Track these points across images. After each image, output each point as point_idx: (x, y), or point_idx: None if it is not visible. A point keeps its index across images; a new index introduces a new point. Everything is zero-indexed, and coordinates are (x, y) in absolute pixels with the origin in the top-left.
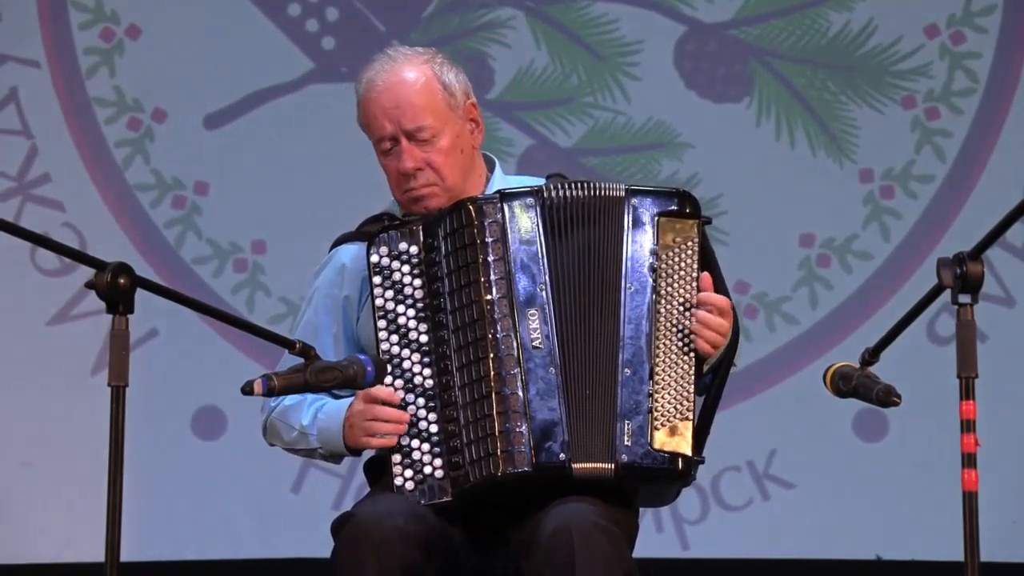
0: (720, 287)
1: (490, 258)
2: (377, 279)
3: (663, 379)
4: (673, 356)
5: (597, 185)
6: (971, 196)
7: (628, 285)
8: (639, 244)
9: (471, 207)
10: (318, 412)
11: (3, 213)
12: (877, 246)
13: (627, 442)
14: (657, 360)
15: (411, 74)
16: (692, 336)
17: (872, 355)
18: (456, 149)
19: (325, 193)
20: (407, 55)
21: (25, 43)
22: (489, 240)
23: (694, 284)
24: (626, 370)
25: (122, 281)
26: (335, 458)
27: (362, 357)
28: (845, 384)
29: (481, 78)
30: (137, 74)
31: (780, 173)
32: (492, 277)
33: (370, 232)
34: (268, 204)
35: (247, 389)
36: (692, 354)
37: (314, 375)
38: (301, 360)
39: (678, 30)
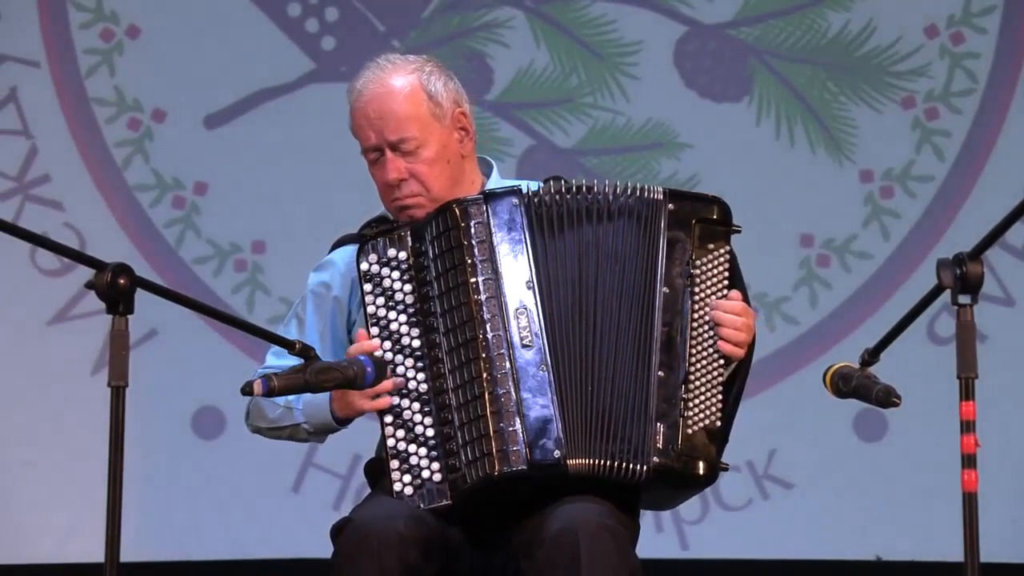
0: (744, 297)
1: (477, 259)
2: (368, 287)
3: (696, 383)
4: (705, 361)
5: (636, 187)
6: (971, 196)
7: (664, 288)
8: (677, 248)
9: (456, 209)
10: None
11: (3, 213)
12: (877, 246)
13: (659, 444)
14: (691, 364)
15: (396, 84)
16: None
17: (872, 355)
18: (442, 159)
19: (325, 193)
20: (396, 64)
21: (25, 43)
22: (475, 241)
23: (725, 293)
24: (660, 372)
25: (122, 281)
26: (319, 435)
27: (362, 358)
28: (845, 384)
29: (480, 78)
30: (137, 74)
31: (780, 173)
32: (480, 278)
33: (367, 236)
34: (268, 204)
35: (247, 389)
36: (722, 360)
37: (314, 375)
38: (283, 353)
39: (678, 30)
